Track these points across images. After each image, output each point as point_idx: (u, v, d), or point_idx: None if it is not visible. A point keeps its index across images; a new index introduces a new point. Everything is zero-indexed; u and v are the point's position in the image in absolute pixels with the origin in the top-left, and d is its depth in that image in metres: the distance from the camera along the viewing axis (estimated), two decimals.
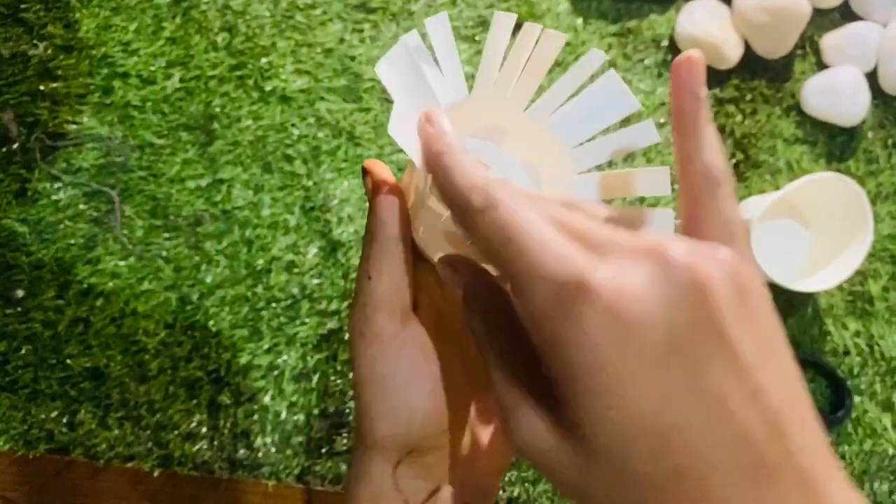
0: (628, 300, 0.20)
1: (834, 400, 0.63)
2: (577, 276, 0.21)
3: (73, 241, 0.63)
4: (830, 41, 0.66)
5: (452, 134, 0.27)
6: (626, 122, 0.32)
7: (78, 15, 0.66)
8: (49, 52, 0.65)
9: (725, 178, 0.25)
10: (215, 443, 0.61)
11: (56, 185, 0.64)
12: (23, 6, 0.66)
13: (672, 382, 0.20)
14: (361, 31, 0.67)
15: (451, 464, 0.31)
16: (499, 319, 0.26)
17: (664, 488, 0.21)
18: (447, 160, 0.26)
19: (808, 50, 0.68)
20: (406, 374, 0.31)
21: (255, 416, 0.61)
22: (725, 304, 0.21)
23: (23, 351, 0.62)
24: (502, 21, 0.31)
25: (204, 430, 0.61)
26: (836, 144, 0.67)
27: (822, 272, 0.61)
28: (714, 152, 0.25)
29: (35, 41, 0.66)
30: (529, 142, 0.33)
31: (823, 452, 0.22)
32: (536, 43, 0.31)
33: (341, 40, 0.67)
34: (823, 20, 0.68)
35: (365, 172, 0.32)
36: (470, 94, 0.32)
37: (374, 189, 0.32)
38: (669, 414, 0.20)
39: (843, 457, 0.62)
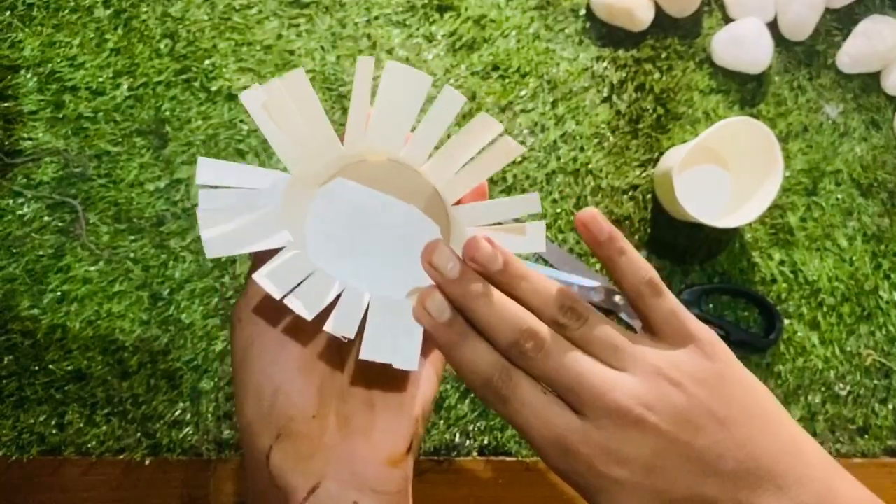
0: (615, 460, 0.30)
1: (766, 325, 0.69)
2: (563, 441, 0.30)
3: (42, 253, 0.66)
4: None
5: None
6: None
7: (21, 35, 0.69)
8: None
9: (651, 288, 0.32)
10: (200, 427, 0.65)
11: (19, 201, 0.66)
12: None
13: (663, 489, 0.30)
14: (297, 25, 0.70)
15: (326, 454, 0.31)
16: None
17: None
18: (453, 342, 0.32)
19: (714, 6, 0.73)
20: (273, 353, 0.32)
21: None
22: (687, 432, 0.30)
23: (5, 361, 0.65)
24: (364, 66, 0.31)
25: (188, 416, 0.65)
26: (747, 91, 0.72)
27: (744, 208, 0.67)
28: (635, 273, 0.33)
29: None
30: (410, 186, 0.35)
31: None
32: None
33: (279, 36, 0.70)
34: None
35: None
36: (343, 144, 0.33)
37: None
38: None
39: (778, 375, 0.68)
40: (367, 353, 0.30)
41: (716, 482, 0.29)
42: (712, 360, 0.31)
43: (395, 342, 0.31)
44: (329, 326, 0.30)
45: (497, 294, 0.31)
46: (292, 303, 0.30)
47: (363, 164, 0.34)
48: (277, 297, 0.29)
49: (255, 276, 0.29)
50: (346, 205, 0.34)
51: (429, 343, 0.33)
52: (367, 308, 0.32)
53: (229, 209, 0.31)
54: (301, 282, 0.31)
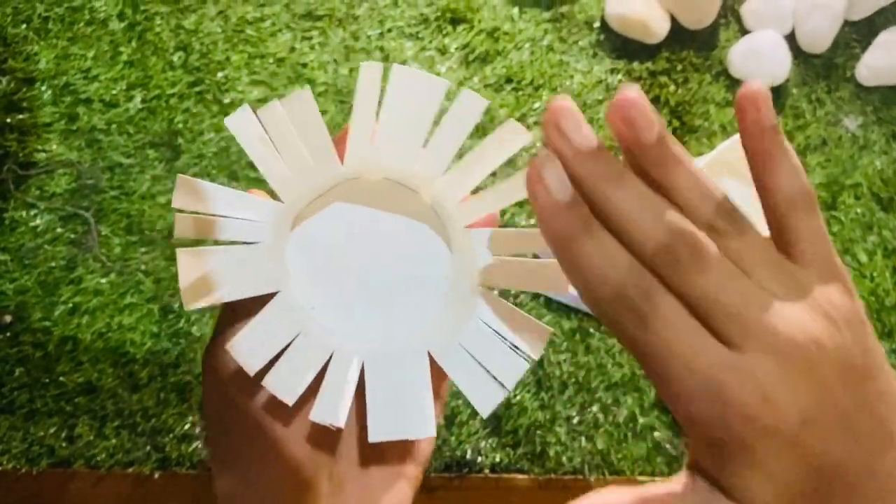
0: (772, 408, 0.23)
1: None
2: (716, 379, 0.23)
3: (53, 264, 0.66)
4: (749, 8, 0.71)
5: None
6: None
7: (36, 47, 0.69)
8: (12, 85, 0.68)
9: (808, 200, 0.26)
10: None
11: (32, 212, 0.66)
12: None
13: (811, 450, 0.24)
14: (310, 38, 0.70)
15: None
16: None
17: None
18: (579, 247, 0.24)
19: (730, 18, 0.73)
20: (254, 420, 0.28)
21: None
22: (849, 386, 0.24)
23: (16, 373, 0.65)
24: (369, 74, 0.28)
25: (198, 430, 0.64)
26: None
27: (761, 223, 0.65)
28: (794, 178, 0.26)
29: None
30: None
31: None
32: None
33: (292, 49, 0.70)
34: None
35: None
36: (345, 161, 0.30)
37: None
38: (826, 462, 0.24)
39: None
40: (376, 434, 0.27)
41: (856, 447, 0.24)
42: (854, 300, 0.26)
43: (403, 411, 0.28)
44: (315, 415, 0.27)
45: (641, 182, 0.25)
46: (270, 383, 0.27)
47: (353, 184, 0.31)
48: (251, 373, 0.26)
49: (228, 346, 0.26)
50: (336, 231, 0.30)
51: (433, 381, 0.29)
52: (364, 370, 0.28)
53: (212, 250, 0.27)
54: (284, 348, 0.27)
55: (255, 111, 0.29)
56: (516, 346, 0.30)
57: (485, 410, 0.29)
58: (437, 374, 0.30)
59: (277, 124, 0.28)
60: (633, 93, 0.24)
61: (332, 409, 0.27)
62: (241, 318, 0.29)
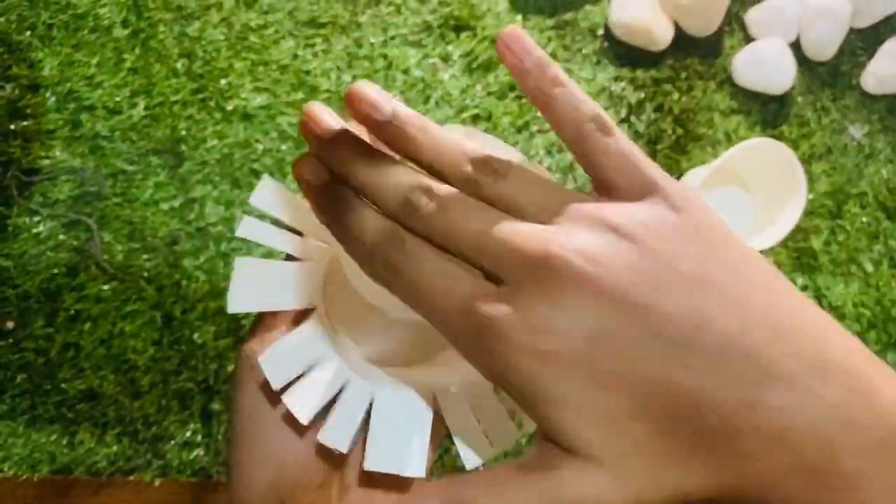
0: (541, 333, 0.22)
1: None
2: (470, 311, 0.23)
3: (56, 271, 0.66)
4: (754, 15, 0.70)
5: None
6: None
7: (41, 54, 0.69)
8: (16, 92, 0.68)
9: (597, 124, 0.25)
10: (211, 448, 0.64)
11: (35, 219, 0.67)
12: None
13: (621, 375, 0.22)
14: (313, 45, 0.70)
15: None
16: None
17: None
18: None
19: (735, 25, 0.72)
20: (282, 421, 0.30)
21: None
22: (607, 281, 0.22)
23: (18, 380, 0.65)
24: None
25: (199, 437, 0.64)
26: (769, 112, 0.71)
27: (766, 232, 0.65)
28: (575, 109, 0.25)
29: (1, 83, 0.68)
30: None
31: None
32: None
33: (295, 56, 0.70)
34: None
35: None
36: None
37: None
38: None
39: None
40: (372, 463, 0.28)
41: (698, 366, 0.21)
42: (681, 212, 0.23)
43: (399, 449, 0.29)
44: (322, 437, 0.28)
45: (385, 154, 0.26)
46: (289, 400, 0.28)
47: None
48: (276, 388, 0.28)
49: (260, 359, 0.28)
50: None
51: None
52: (372, 404, 0.30)
53: (266, 262, 0.29)
54: (306, 370, 0.29)
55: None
56: (513, 414, 0.31)
57: (469, 464, 0.30)
58: None
59: None
60: (360, 86, 0.26)
61: (339, 436, 0.29)
62: (280, 322, 0.30)
